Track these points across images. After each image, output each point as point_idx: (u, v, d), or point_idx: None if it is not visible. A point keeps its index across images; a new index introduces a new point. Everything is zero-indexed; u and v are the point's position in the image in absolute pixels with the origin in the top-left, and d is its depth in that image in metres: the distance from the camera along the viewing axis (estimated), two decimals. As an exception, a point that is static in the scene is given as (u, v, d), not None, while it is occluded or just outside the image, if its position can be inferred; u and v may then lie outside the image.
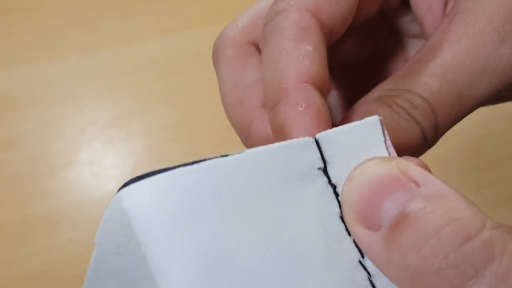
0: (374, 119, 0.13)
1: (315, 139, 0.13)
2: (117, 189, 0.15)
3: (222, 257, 0.13)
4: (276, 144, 0.13)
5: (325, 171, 0.14)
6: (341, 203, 0.13)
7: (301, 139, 0.13)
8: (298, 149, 0.13)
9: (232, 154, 0.13)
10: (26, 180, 0.35)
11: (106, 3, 0.42)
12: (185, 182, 0.13)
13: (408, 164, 0.12)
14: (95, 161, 0.36)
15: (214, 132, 0.37)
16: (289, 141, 0.13)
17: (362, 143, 0.13)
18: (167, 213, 0.13)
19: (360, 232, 0.12)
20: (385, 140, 0.13)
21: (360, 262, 0.13)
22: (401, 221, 0.11)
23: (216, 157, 0.13)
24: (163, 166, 0.13)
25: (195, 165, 0.13)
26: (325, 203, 0.14)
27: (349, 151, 0.13)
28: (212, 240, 0.13)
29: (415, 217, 0.11)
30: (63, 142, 0.36)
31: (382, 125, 0.13)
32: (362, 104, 0.15)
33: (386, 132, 0.13)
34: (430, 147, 0.17)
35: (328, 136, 0.13)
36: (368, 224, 0.12)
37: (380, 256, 0.12)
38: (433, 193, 0.11)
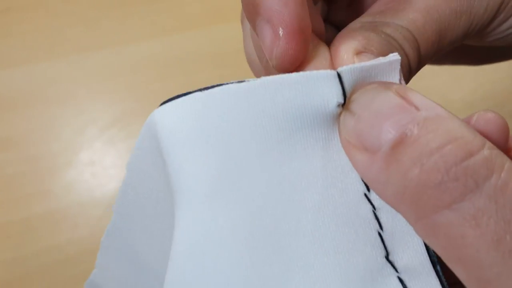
0: (396, 59, 0.13)
1: (337, 72, 0.13)
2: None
3: (234, 175, 0.13)
4: (298, 73, 0.13)
5: (343, 105, 0.13)
6: (339, 124, 0.13)
7: (324, 71, 0.13)
8: (320, 80, 0.13)
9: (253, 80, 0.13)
10: (26, 180, 0.35)
11: (106, 3, 0.42)
12: (212, 102, 0.14)
13: (408, 89, 0.12)
14: (95, 161, 0.36)
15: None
16: (311, 72, 0.13)
17: (381, 77, 0.13)
18: (191, 131, 0.13)
19: (358, 155, 0.13)
20: (400, 79, 0.13)
21: (365, 195, 0.13)
22: (402, 141, 0.11)
23: (238, 81, 0.14)
24: None
25: (219, 88, 0.14)
26: (335, 135, 0.13)
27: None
28: (227, 158, 0.13)
29: (417, 136, 0.11)
30: (63, 142, 0.36)
31: (399, 65, 0.13)
32: (348, 33, 0.15)
33: (402, 73, 0.14)
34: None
35: (350, 70, 0.13)
36: (367, 146, 0.12)
37: (379, 176, 0.12)
38: (433, 115, 0.12)
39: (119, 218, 0.18)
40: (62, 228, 0.34)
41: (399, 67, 0.13)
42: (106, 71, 0.39)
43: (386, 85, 0.13)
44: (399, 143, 0.12)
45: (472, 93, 0.40)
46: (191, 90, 0.15)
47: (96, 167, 0.36)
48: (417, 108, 0.12)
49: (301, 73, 0.13)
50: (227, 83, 0.14)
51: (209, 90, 0.14)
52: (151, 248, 0.18)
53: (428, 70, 0.41)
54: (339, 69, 0.13)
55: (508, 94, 0.40)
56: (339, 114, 0.13)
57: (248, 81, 0.13)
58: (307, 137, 0.13)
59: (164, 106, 0.14)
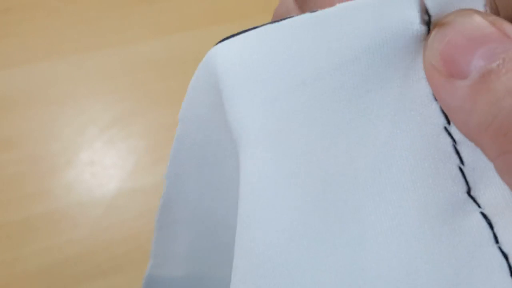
0: None
1: None
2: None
3: (298, 124, 0.13)
4: None
5: (429, 26, 0.12)
6: (425, 48, 0.12)
7: None
8: (399, 1, 0.12)
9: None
10: (26, 180, 0.35)
11: (106, 3, 0.42)
12: (274, 38, 0.13)
13: (504, 21, 0.12)
14: (95, 161, 0.36)
15: (214, 132, 0.37)
16: None
17: (463, 3, 0.12)
18: (252, 71, 0.13)
19: (442, 80, 0.12)
20: (484, 5, 0.13)
21: (445, 128, 0.12)
22: (495, 69, 0.11)
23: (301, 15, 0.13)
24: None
25: (281, 22, 0.13)
26: (417, 64, 0.12)
27: (451, 9, 0.12)
28: (291, 102, 0.13)
29: None
30: (63, 142, 0.36)
31: None
32: None
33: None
34: None
35: None
36: (454, 72, 0.11)
37: (464, 103, 0.11)
38: None
39: (175, 179, 0.17)
40: (62, 228, 0.34)
41: None
42: (106, 71, 0.39)
43: (482, 13, 0.12)
44: (491, 72, 0.11)
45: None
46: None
47: (96, 167, 0.36)
48: None
49: None
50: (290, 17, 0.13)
51: (275, 24, 0.13)
52: (220, 199, 0.17)
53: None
54: None
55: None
56: (424, 38, 0.12)
57: (314, 11, 0.13)
58: (386, 66, 0.12)
59: (224, 43, 0.13)
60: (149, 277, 0.19)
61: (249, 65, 0.13)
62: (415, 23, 0.12)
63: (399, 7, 0.12)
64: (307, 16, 0.13)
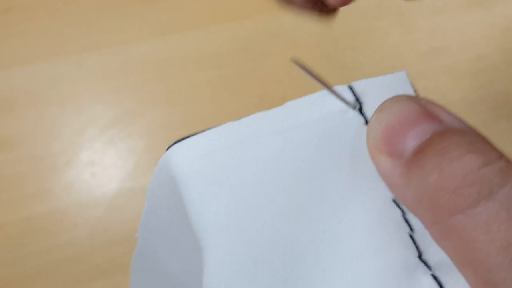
0: (402, 74, 0.15)
1: (349, 86, 0.14)
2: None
3: (256, 205, 0.14)
4: (313, 94, 0.14)
5: (360, 110, 0.14)
6: (367, 131, 0.14)
7: (336, 86, 0.14)
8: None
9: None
10: (26, 180, 0.35)
11: (106, 3, 0.42)
12: (226, 139, 0.15)
13: (434, 104, 0.13)
14: (95, 161, 0.36)
15: (214, 132, 0.37)
16: (323, 91, 0.14)
17: (394, 91, 0.14)
18: (207, 169, 0.14)
19: (382, 159, 0.13)
20: (414, 91, 0.15)
21: (394, 201, 0.14)
22: (425, 147, 0.12)
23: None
24: None
25: (235, 122, 0.15)
26: (361, 144, 0.14)
27: (381, 97, 0.14)
28: (247, 189, 0.14)
29: (439, 144, 0.12)
30: (63, 142, 0.36)
31: (408, 78, 0.15)
32: None
33: (412, 85, 0.15)
34: None
35: (361, 83, 0.14)
36: (392, 152, 0.13)
37: (400, 180, 0.13)
38: (457, 128, 0.13)
39: (144, 242, 0.18)
40: (62, 228, 0.34)
41: (408, 80, 0.15)
42: (106, 71, 0.39)
43: (414, 98, 0.13)
44: (422, 150, 0.12)
45: (472, 93, 0.40)
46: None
47: (96, 167, 0.36)
48: (441, 121, 0.13)
49: (318, 92, 0.14)
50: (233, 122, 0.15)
51: (230, 124, 0.15)
52: (182, 267, 0.18)
53: (428, 70, 0.41)
54: (350, 83, 0.14)
55: (508, 94, 0.40)
56: (360, 122, 0.14)
57: (263, 112, 0.15)
58: (333, 151, 0.14)
59: (176, 146, 0.16)
60: None
61: (200, 164, 0.15)
62: (350, 110, 0.14)
63: (334, 102, 0.14)
64: (260, 115, 0.15)
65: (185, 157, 0.15)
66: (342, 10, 0.46)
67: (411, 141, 0.12)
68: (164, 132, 0.37)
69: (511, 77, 0.41)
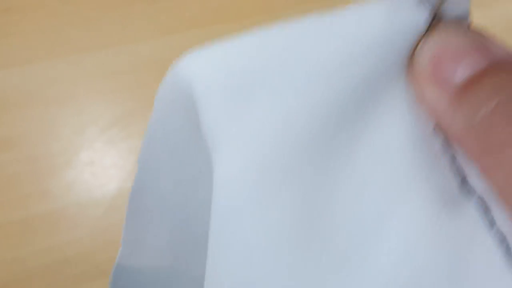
0: None
1: None
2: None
3: (287, 133, 0.13)
4: (370, 4, 0.13)
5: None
6: (414, 57, 0.13)
7: None
8: (401, 4, 0.13)
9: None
10: (25, 180, 0.35)
11: (106, 3, 0.42)
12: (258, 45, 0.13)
13: (488, 39, 0.13)
14: (95, 161, 0.36)
15: (214, 132, 0.37)
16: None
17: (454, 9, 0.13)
18: (231, 79, 0.13)
19: (429, 87, 0.13)
20: (469, 21, 0.14)
21: (434, 130, 0.13)
22: (480, 76, 0.12)
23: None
24: None
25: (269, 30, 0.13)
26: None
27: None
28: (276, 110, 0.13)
29: (496, 73, 0.12)
30: (63, 142, 0.36)
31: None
32: None
33: (470, 9, 0.14)
34: None
35: None
36: (439, 80, 0.12)
37: (447, 108, 0.12)
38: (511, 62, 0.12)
39: (145, 170, 0.17)
40: (61, 228, 0.34)
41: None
42: (106, 71, 0.39)
43: (472, 28, 0.13)
44: (475, 78, 0.12)
45: (472, 93, 0.40)
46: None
47: (96, 167, 0.36)
48: (495, 54, 0.12)
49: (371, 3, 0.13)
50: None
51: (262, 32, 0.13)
52: (187, 197, 0.17)
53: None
54: None
55: (508, 94, 0.40)
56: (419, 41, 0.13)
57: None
58: (385, 71, 0.13)
59: (200, 53, 0.13)
60: (118, 267, 0.19)
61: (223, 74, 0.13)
62: (422, 25, 0.13)
63: (405, 15, 0.13)
64: (301, 25, 0.13)
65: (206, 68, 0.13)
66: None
67: (464, 70, 0.12)
68: (164, 132, 0.37)
69: (511, 77, 0.40)
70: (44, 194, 0.35)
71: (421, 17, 0.13)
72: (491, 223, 0.12)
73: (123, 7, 0.42)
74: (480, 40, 0.13)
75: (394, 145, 0.13)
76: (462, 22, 0.13)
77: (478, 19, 0.45)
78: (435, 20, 0.13)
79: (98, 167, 0.36)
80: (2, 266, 0.32)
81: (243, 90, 0.13)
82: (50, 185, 0.35)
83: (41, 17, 0.41)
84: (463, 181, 0.13)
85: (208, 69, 0.13)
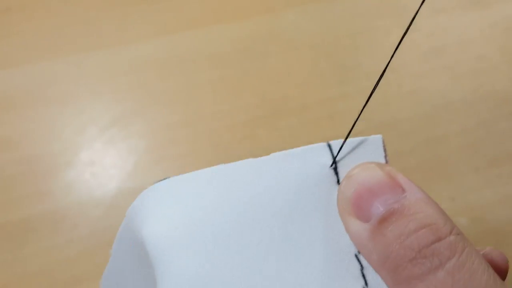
0: (378, 137, 0.17)
1: (327, 144, 0.16)
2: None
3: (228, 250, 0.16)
4: (294, 149, 0.16)
5: (335, 170, 0.16)
6: (338, 193, 0.16)
7: (316, 144, 0.16)
8: (314, 151, 0.16)
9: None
10: (26, 180, 0.35)
11: (106, 3, 0.42)
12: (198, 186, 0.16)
13: (397, 173, 0.16)
14: (95, 161, 0.36)
15: (214, 132, 0.37)
16: (305, 146, 0.16)
17: (366, 154, 0.16)
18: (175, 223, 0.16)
19: (352, 221, 0.15)
20: (385, 156, 0.17)
21: (356, 255, 0.16)
22: (388, 217, 0.15)
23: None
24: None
25: (207, 169, 0.17)
26: (332, 201, 0.16)
27: (355, 158, 0.16)
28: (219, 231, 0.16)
29: (400, 216, 0.15)
30: (63, 142, 0.36)
31: (383, 143, 0.17)
32: None
33: (385, 149, 0.17)
34: None
35: (338, 143, 0.16)
36: (359, 216, 0.15)
37: (367, 243, 0.15)
38: (415, 199, 0.15)
39: (114, 262, 0.20)
40: (62, 228, 0.34)
41: (382, 145, 0.16)
42: (106, 71, 0.39)
43: (381, 166, 0.16)
44: (385, 219, 0.15)
45: (472, 93, 0.40)
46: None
47: (96, 167, 0.36)
48: (403, 190, 0.15)
49: (299, 148, 0.16)
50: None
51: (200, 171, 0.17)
52: None
53: (428, 70, 0.41)
54: (329, 142, 0.16)
55: (508, 94, 0.40)
56: (333, 180, 0.16)
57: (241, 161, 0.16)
58: (307, 203, 0.16)
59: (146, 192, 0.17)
60: None
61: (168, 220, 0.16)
62: (326, 167, 0.16)
63: (315, 155, 0.16)
64: (247, 162, 0.16)
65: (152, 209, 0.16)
66: (342, 10, 0.46)
67: (377, 209, 0.15)
68: (164, 132, 0.37)
69: (511, 77, 0.41)
70: (44, 194, 0.35)
71: (327, 161, 0.16)
72: None
73: (123, 7, 0.42)
74: (391, 177, 0.15)
75: (319, 265, 0.16)
76: (378, 160, 0.16)
77: (478, 19, 0.45)
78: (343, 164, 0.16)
79: (98, 167, 0.36)
80: (2, 266, 0.32)
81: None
82: (51, 185, 0.35)
83: (41, 17, 0.41)
84: None
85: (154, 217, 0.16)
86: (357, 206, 0.15)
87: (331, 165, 0.16)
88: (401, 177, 0.15)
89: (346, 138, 0.16)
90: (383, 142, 0.16)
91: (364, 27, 0.42)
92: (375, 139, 0.16)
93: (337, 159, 0.16)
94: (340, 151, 0.16)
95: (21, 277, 0.32)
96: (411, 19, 0.14)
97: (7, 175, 0.35)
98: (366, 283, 0.16)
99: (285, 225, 0.16)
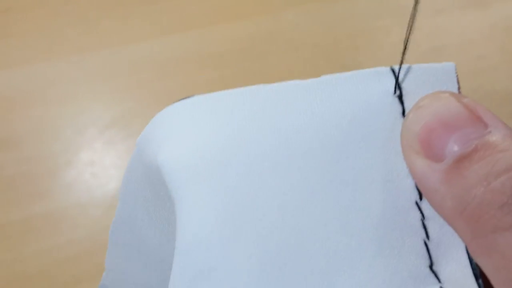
0: (451, 65, 0.14)
1: (391, 68, 0.13)
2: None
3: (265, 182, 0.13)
4: (349, 72, 0.13)
5: (400, 98, 0.13)
6: (403, 127, 0.13)
7: (377, 68, 0.13)
8: (374, 76, 0.13)
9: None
10: (26, 180, 0.35)
11: (106, 3, 0.42)
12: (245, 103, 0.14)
13: (478, 105, 0.12)
14: (95, 161, 0.36)
15: (214, 132, 0.37)
16: (363, 70, 0.13)
17: (437, 83, 0.13)
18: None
19: (419, 161, 0.12)
20: (458, 88, 0.14)
21: (416, 203, 0.13)
22: (469, 156, 0.12)
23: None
24: None
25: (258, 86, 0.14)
26: (395, 135, 0.13)
27: (424, 87, 0.13)
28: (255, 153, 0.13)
29: (485, 154, 0.11)
30: (63, 142, 0.36)
31: (456, 72, 0.14)
32: None
33: (458, 80, 0.14)
34: None
35: (404, 68, 0.13)
36: (429, 155, 0.12)
37: (439, 186, 0.12)
38: (503, 135, 0.12)
39: (123, 207, 0.17)
40: (62, 228, 0.34)
41: (455, 74, 0.14)
42: (106, 71, 0.39)
43: (458, 97, 0.13)
44: (465, 158, 0.12)
45: (472, 93, 0.40)
46: (195, 93, 0.15)
47: (96, 167, 0.36)
48: (485, 125, 0.12)
49: (353, 71, 0.13)
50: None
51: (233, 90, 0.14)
52: (160, 240, 0.17)
53: (428, 70, 0.41)
54: (393, 66, 0.13)
55: (508, 94, 0.40)
56: (398, 112, 0.13)
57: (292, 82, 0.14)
58: (363, 137, 0.13)
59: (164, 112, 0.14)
60: (102, 286, 0.19)
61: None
62: (389, 94, 0.13)
63: (376, 80, 0.13)
64: (292, 83, 0.14)
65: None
66: (342, 10, 0.46)
67: (453, 146, 0.12)
68: (164, 132, 0.37)
69: (511, 77, 0.41)
70: (44, 194, 0.35)
71: (390, 88, 0.13)
72: None
73: (123, 7, 0.42)
74: (468, 108, 0.12)
75: (373, 212, 0.13)
76: (451, 90, 0.13)
77: (478, 19, 0.45)
78: (412, 91, 0.13)
79: (98, 167, 0.36)
80: (2, 266, 0.32)
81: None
82: (51, 185, 0.35)
83: (41, 17, 0.41)
84: (431, 266, 0.13)
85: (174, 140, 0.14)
86: (427, 143, 0.12)
87: (395, 93, 0.13)
88: (482, 110, 0.12)
89: (401, 63, 0.13)
90: (456, 71, 0.14)
91: (364, 27, 0.42)
92: (447, 67, 0.14)
93: (402, 86, 0.13)
94: (406, 78, 0.13)
95: (21, 277, 0.32)
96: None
97: (7, 175, 0.35)
98: (427, 236, 0.13)
99: (335, 161, 0.13)
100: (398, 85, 0.13)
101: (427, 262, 0.13)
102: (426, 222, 0.13)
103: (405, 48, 0.13)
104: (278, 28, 0.41)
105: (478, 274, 0.13)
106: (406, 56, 0.14)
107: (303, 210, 0.13)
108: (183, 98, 0.15)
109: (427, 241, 0.13)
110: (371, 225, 0.13)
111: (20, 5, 0.41)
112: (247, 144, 0.13)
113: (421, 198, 0.13)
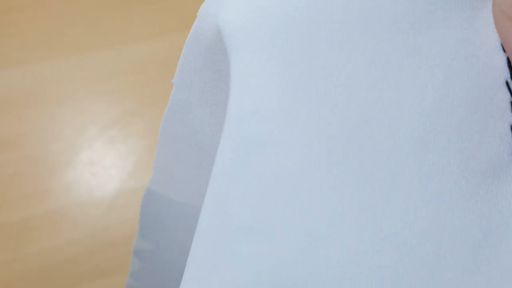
0: None
1: None
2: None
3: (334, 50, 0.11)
4: None
5: None
6: None
7: None
8: None
9: None
10: (26, 180, 0.35)
11: (106, 3, 0.42)
12: None
13: None
14: (95, 161, 0.36)
15: (214, 132, 0.37)
16: None
17: None
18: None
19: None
20: None
21: (507, 83, 0.11)
22: None
23: None
24: None
25: None
26: (487, 7, 0.11)
27: None
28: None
29: None
30: (63, 142, 0.36)
31: None
32: None
33: None
34: None
35: None
36: None
37: None
38: None
39: (177, 93, 0.16)
40: (61, 228, 0.34)
41: None
42: (106, 71, 0.39)
43: None
44: None
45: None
46: None
47: (96, 167, 0.36)
48: None
49: None
50: None
51: None
52: (214, 132, 0.16)
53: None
54: None
55: (508, 94, 0.40)
56: None
57: None
58: (442, 4, 0.11)
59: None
60: (149, 191, 0.17)
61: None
62: None
63: None
64: None
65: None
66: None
67: None
68: (164, 132, 0.37)
69: (511, 77, 0.40)
70: (44, 194, 0.35)
71: None
72: None
73: (123, 7, 0.42)
74: None
75: (454, 90, 0.11)
76: None
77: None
78: None
79: (98, 167, 0.36)
80: (2, 266, 0.32)
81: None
82: (50, 185, 0.35)
83: (41, 17, 0.41)
84: None
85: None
86: None
87: None
88: None
89: None
90: None
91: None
92: None
93: None
94: None
95: (21, 277, 0.32)
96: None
97: (7, 175, 0.35)
98: None
99: (414, 32, 0.11)
100: None
101: (511, 150, 0.11)
102: None
103: None
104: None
105: None
106: None
107: (373, 87, 0.11)
108: None
109: None
110: (449, 105, 0.11)
111: (20, 5, 0.41)
112: (316, 10, 0.11)
113: None
